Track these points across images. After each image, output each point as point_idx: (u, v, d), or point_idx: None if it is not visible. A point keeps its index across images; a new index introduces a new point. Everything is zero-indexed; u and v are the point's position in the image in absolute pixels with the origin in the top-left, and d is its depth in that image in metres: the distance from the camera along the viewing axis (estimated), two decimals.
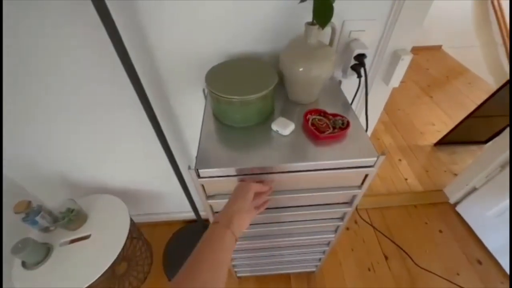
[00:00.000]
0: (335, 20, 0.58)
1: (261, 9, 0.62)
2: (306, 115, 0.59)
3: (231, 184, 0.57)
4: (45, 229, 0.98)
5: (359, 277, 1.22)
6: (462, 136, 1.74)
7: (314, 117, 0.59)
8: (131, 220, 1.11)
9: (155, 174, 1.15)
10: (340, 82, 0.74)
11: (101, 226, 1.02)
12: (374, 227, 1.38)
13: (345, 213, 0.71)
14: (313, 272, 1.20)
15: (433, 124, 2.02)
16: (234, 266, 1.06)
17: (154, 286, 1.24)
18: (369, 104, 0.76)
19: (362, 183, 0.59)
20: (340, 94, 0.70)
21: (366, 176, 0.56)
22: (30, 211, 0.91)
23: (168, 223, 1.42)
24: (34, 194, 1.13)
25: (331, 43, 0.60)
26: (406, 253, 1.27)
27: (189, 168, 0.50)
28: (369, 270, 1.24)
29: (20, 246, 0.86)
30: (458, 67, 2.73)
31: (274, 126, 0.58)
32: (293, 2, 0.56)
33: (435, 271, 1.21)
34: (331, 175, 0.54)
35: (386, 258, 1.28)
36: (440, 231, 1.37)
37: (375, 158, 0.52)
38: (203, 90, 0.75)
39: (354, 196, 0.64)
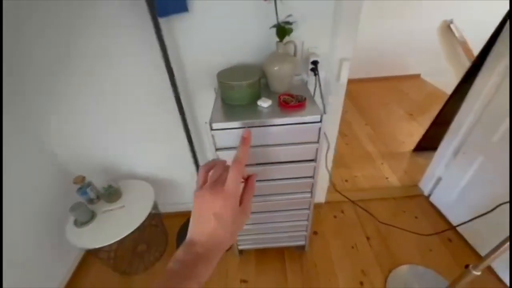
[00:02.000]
0: (296, 40, 0.95)
1: (251, 32, 1.00)
2: (280, 97, 0.93)
3: (234, 137, 0.88)
4: (91, 201, 1.28)
5: (345, 254, 1.41)
6: (434, 142, 2.01)
7: (284, 97, 0.92)
8: (156, 205, 1.39)
9: (175, 164, 1.46)
10: (306, 82, 1.09)
11: (132, 200, 1.31)
12: (353, 202, 1.61)
13: (314, 169, 0.99)
14: (303, 247, 1.40)
15: (412, 135, 2.31)
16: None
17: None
18: (330, 98, 1.11)
19: (318, 139, 0.89)
20: (305, 89, 1.04)
21: (319, 130, 0.87)
22: (84, 184, 1.23)
23: (182, 214, 1.68)
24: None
25: (295, 54, 0.97)
26: (372, 215, 1.49)
27: (206, 122, 0.83)
28: (352, 248, 1.44)
29: (75, 206, 1.15)
30: (436, 92, 3.10)
31: (259, 102, 0.91)
32: (271, 30, 0.94)
33: (411, 247, 1.40)
34: (295, 129, 0.86)
35: (368, 238, 1.48)
36: (416, 217, 1.57)
37: (319, 116, 0.83)
38: (214, 89, 1.11)
39: (316, 150, 0.93)
